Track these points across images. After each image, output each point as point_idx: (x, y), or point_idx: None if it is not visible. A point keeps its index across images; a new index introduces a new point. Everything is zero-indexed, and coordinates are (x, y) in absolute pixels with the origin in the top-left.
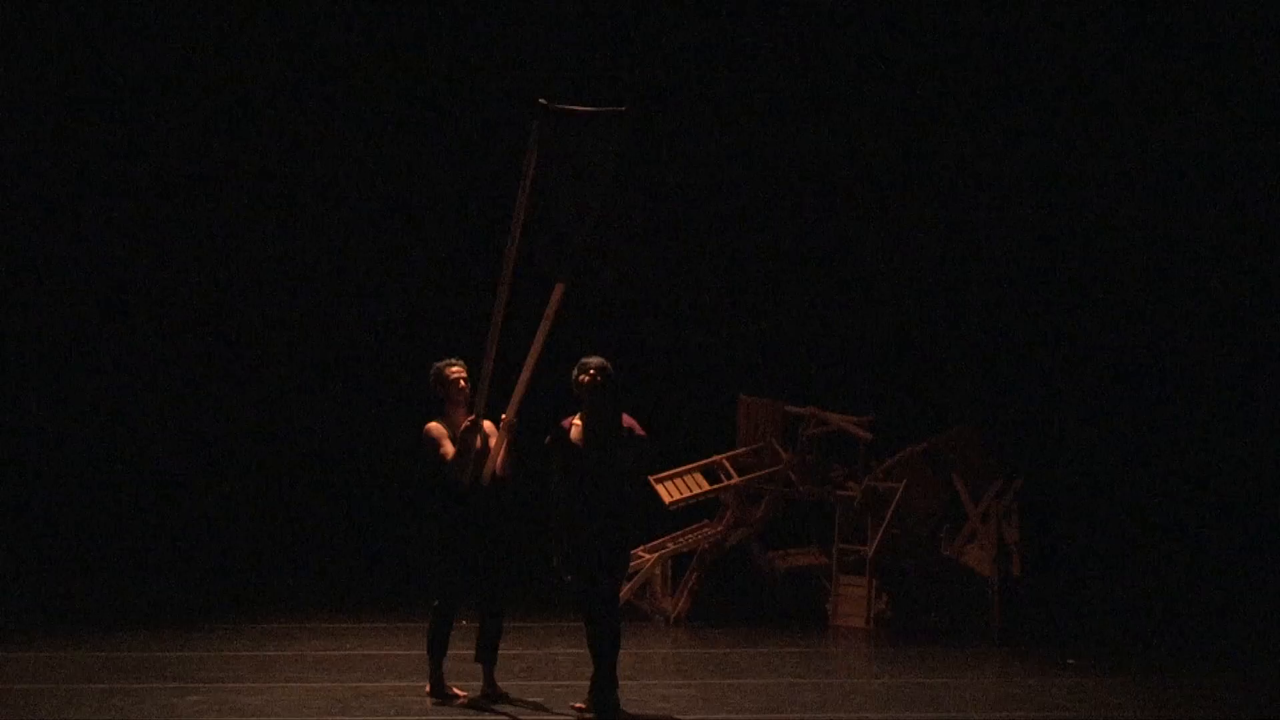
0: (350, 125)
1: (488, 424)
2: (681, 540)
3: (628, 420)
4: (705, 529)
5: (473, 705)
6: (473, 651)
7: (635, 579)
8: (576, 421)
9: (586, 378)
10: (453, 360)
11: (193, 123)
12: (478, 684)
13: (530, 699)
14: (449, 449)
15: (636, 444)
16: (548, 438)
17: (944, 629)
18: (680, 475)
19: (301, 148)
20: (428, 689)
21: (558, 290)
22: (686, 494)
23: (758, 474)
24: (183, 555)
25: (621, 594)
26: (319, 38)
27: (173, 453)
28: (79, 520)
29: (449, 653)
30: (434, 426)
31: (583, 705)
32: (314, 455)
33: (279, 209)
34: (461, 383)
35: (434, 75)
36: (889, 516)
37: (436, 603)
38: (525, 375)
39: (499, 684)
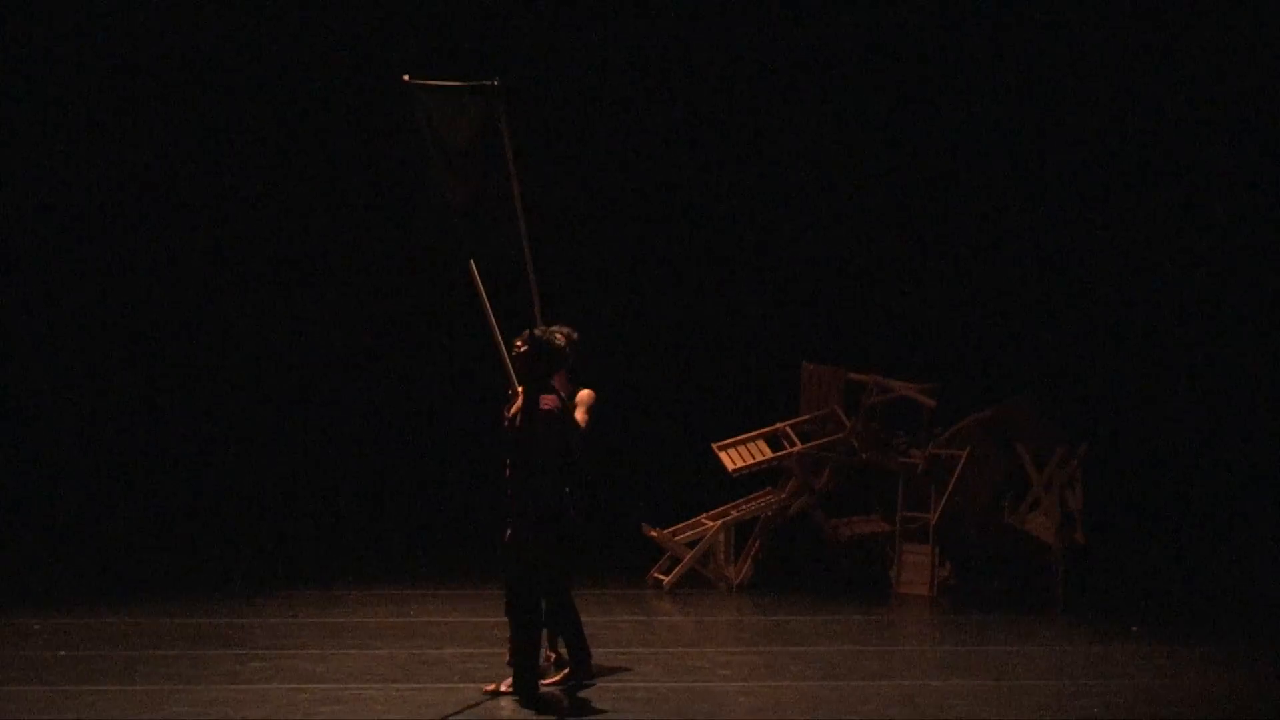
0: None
1: (584, 393)
2: (744, 508)
3: (547, 401)
4: (768, 496)
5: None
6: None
7: (699, 546)
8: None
9: (516, 348)
10: (555, 327)
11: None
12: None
13: (597, 666)
14: None
15: (549, 420)
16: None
17: (1007, 596)
18: (743, 443)
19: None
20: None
21: (471, 267)
22: (750, 461)
23: (821, 441)
24: (245, 522)
25: (683, 561)
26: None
27: (238, 417)
28: (142, 488)
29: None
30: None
31: (493, 687)
32: (380, 421)
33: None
34: None
35: None
36: (952, 484)
37: None
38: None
39: (561, 651)
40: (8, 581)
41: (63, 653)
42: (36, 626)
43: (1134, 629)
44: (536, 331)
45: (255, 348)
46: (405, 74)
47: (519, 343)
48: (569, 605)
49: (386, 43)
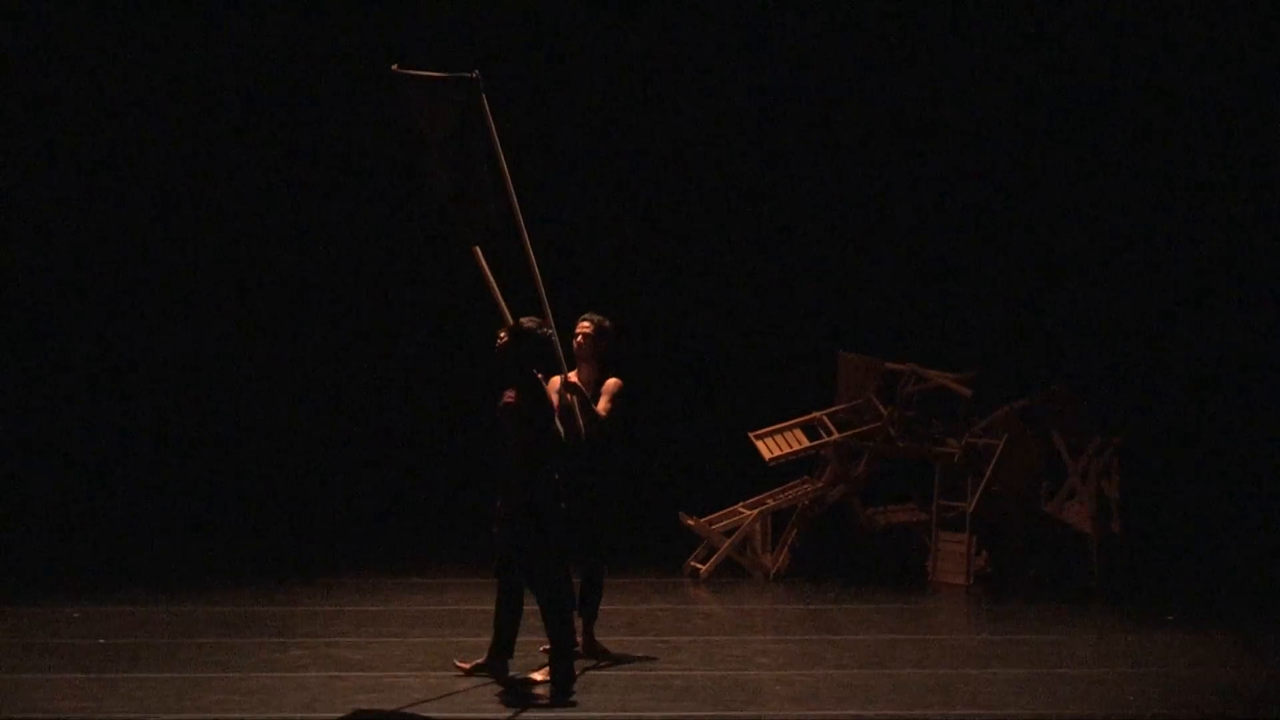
0: None
1: (610, 382)
2: (781, 497)
3: (509, 395)
4: (805, 485)
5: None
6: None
7: (735, 535)
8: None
9: (499, 339)
10: (587, 315)
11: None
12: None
13: (634, 655)
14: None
15: (505, 414)
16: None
17: (1044, 585)
18: (780, 432)
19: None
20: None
21: (475, 253)
22: (786, 450)
23: (857, 430)
24: (283, 510)
25: (720, 550)
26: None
27: (274, 405)
28: (179, 477)
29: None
30: (552, 381)
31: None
32: (418, 409)
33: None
34: (581, 339)
35: None
36: (989, 473)
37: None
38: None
39: (598, 640)
40: (48, 569)
41: (102, 640)
42: (76, 615)
43: (1170, 618)
44: (524, 320)
45: (289, 331)
46: (394, 64)
47: (500, 333)
48: (518, 598)
49: (377, 35)
